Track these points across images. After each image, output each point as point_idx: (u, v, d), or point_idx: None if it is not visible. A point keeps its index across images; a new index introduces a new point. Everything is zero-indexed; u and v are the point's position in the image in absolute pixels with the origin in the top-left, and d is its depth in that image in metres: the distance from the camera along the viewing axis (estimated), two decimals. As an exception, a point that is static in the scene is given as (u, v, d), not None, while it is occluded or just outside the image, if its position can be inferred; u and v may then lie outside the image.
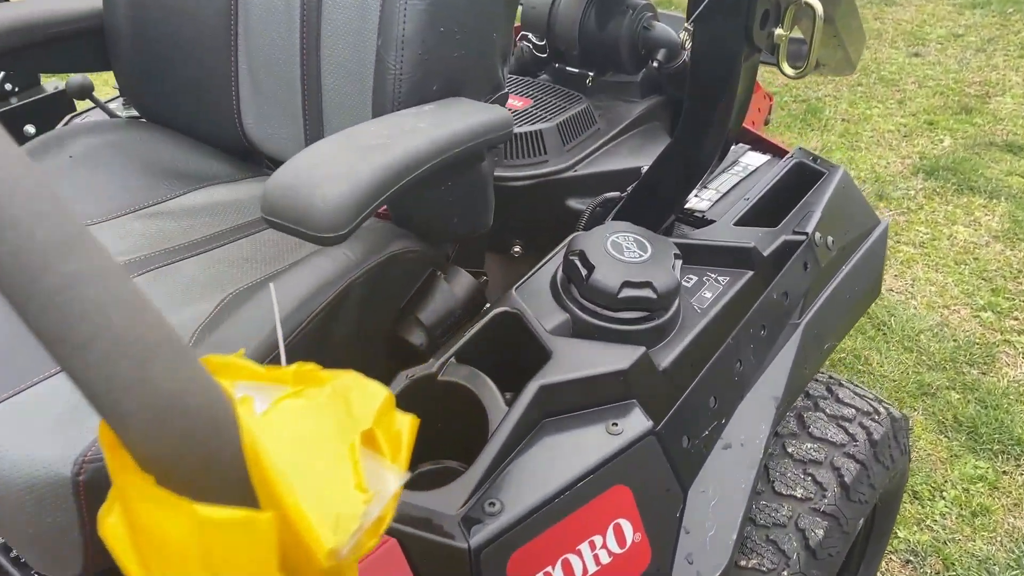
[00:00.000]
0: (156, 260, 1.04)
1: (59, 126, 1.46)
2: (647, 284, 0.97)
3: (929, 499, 1.91)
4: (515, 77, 1.63)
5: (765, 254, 1.10)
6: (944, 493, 1.92)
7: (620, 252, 1.01)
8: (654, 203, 1.18)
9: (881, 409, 1.26)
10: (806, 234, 1.13)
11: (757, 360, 1.07)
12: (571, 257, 1.01)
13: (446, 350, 0.97)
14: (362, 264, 0.94)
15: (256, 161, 1.32)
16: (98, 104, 1.47)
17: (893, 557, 1.78)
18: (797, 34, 1.23)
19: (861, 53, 1.52)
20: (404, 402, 0.99)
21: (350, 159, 0.79)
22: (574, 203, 1.44)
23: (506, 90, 1.07)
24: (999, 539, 1.81)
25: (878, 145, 3.39)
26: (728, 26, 0.96)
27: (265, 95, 1.22)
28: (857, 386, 1.32)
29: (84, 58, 1.29)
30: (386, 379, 0.97)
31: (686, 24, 0.98)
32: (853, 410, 1.24)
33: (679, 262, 1.02)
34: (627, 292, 0.97)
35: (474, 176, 1.04)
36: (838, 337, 1.22)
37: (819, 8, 0.95)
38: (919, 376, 2.21)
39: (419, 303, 1.02)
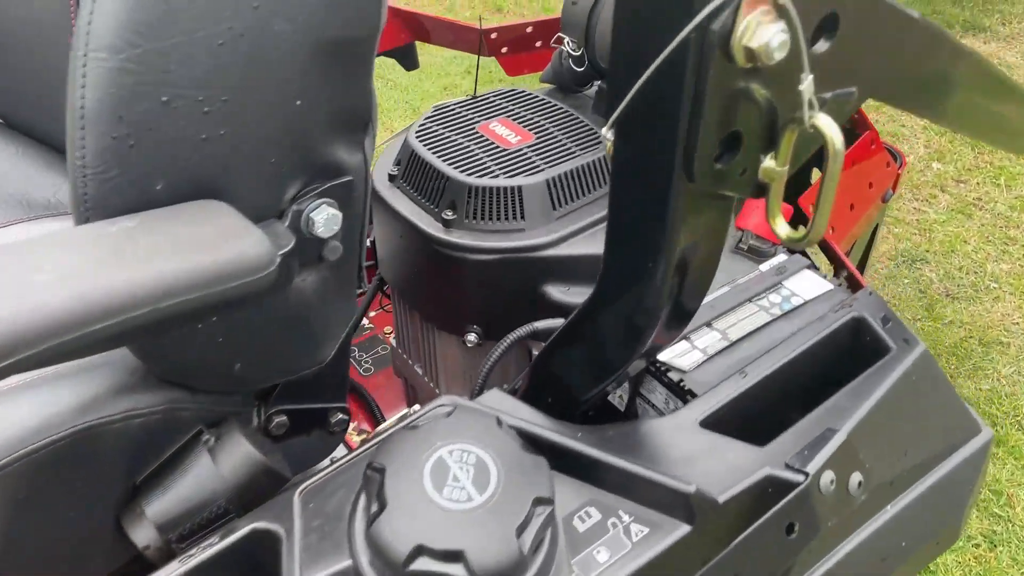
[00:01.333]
0: None
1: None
2: (456, 556, 0.58)
3: None
4: (531, 94, 1.21)
5: (720, 501, 0.66)
6: None
7: (441, 483, 0.62)
8: (581, 369, 0.76)
9: None
10: (805, 474, 0.68)
11: None
12: (371, 472, 0.63)
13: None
14: (22, 443, 0.61)
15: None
16: None
17: None
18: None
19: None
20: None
21: None
22: (553, 292, 1.04)
23: (349, 178, 0.68)
24: None
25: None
26: (655, 152, 0.52)
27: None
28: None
29: None
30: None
31: (604, 130, 0.56)
32: None
33: (543, 514, 0.61)
34: (421, 564, 0.58)
35: (268, 308, 0.67)
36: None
37: (836, 139, 0.50)
38: (1081, 544, 1.62)
39: (153, 487, 0.68)
